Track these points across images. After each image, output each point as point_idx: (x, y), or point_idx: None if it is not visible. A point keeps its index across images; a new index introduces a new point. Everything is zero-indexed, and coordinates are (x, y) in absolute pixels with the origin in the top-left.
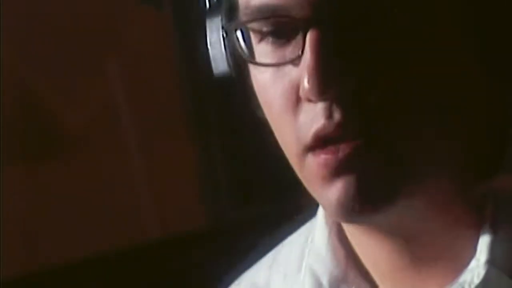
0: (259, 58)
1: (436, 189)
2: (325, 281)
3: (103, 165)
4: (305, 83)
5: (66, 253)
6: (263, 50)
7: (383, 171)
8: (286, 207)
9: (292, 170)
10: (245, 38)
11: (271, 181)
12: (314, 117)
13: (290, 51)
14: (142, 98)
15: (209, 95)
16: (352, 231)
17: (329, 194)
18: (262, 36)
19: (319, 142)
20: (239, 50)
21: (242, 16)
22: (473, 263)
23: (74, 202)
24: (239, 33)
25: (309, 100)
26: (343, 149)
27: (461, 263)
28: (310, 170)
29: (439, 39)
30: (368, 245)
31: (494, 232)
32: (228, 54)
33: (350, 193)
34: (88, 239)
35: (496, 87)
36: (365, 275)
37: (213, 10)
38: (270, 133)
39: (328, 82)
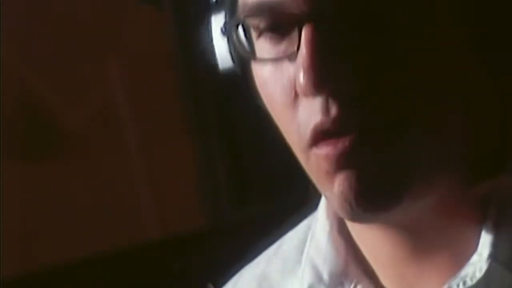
0: (259, 53)
1: (439, 188)
2: (325, 274)
3: (103, 165)
4: (301, 79)
5: (66, 253)
6: (262, 46)
7: (385, 170)
8: (285, 207)
9: (292, 170)
10: (246, 35)
11: (271, 181)
12: (312, 113)
13: (287, 46)
14: (142, 98)
15: (209, 96)
16: (353, 225)
17: (333, 187)
18: (260, 32)
19: (319, 137)
20: (239, 45)
21: (241, 12)
22: (474, 258)
23: (74, 202)
24: (240, 29)
25: (306, 96)
26: (343, 142)
27: (462, 258)
28: (313, 163)
29: (439, 39)
30: (369, 239)
31: (496, 229)
32: (232, 50)
33: (352, 186)
34: (88, 239)
35: (496, 87)
36: (365, 268)
37: (218, 6)
38: (272, 131)
39: (323, 78)
